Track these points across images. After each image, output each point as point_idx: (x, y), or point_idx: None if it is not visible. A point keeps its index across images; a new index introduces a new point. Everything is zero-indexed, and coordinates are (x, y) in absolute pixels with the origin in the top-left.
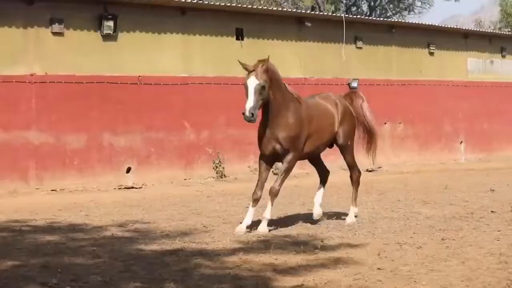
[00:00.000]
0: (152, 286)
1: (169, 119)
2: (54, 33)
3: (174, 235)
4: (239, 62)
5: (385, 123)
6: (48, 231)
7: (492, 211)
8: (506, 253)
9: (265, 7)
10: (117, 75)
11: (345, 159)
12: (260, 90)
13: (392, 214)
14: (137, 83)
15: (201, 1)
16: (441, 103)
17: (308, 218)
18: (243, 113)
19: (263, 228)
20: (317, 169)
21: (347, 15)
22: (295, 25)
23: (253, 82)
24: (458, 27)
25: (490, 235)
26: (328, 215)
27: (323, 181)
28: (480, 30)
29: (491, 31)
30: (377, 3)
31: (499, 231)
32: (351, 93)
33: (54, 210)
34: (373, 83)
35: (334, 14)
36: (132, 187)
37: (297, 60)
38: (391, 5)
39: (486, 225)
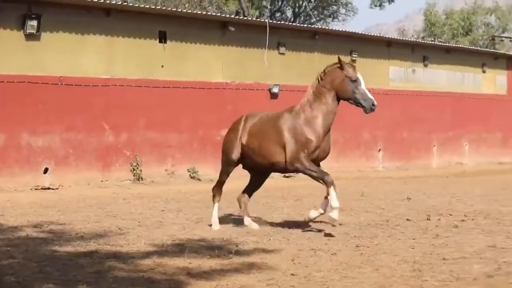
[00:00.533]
0: (66, 287)
1: (89, 120)
2: None
3: (89, 237)
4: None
5: None
6: None
7: (407, 219)
8: (420, 261)
9: (189, 11)
10: (39, 75)
11: None
12: None
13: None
14: (58, 83)
15: (125, 3)
16: (361, 111)
17: (222, 222)
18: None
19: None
20: None
21: (271, 21)
22: (219, 30)
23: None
24: (381, 35)
25: (405, 243)
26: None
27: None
28: (403, 38)
29: (414, 40)
30: (302, 9)
31: (414, 239)
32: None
33: None
34: (295, 89)
35: (258, 20)
36: (49, 188)
37: (220, 64)
38: (315, 12)
39: (401, 233)
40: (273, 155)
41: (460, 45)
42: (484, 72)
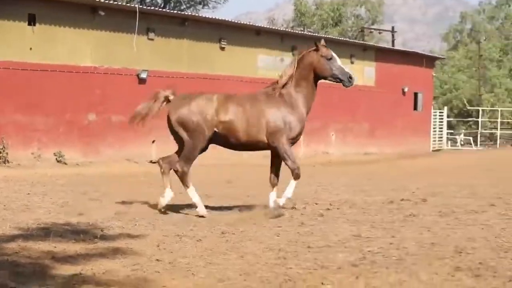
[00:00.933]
0: None
1: None
2: None
3: None
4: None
5: None
6: None
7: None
8: (285, 249)
9: None
10: None
11: None
12: None
13: (173, 207)
14: None
15: None
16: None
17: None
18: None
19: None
20: None
21: (141, 6)
22: (89, 14)
23: None
24: (251, 23)
25: (270, 230)
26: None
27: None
28: (273, 27)
29: (284, 29)
30: None
31: (279, 227)
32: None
33: None
34: (163, 75)
35: (128, 5)
36: None
37: (89, 49)
38: None
39: (266, 220)
40: (257, 134)
41: (329, 36)
42: (352, 63)
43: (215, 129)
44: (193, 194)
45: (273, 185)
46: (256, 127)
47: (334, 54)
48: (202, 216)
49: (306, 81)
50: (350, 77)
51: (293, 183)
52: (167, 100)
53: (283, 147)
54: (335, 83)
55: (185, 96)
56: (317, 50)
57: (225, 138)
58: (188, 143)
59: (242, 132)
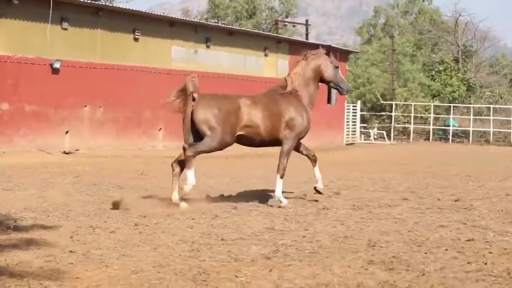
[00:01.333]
0: None
1: None
2: None
3: None
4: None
5: (85, 106)
6: None
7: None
8: (198, 241)
9: None
10: None
11: None
12: None
13: (87, 198)
14: None
15: None
16: (143, 89)
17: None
18: (348, 87)
19: None
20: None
21: None
22: (3, 2)
23: None
24: (165, 14)
25: (184, 222)
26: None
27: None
28: (187, 19)
29: (198, 21)
30: None
31: (193, 219)
32: None
33: None
34: (76, 65)
35: None
36: None
37: (2, 37)
38: None
39: (180, 212)
40: (278, 133)
41: (243, 28)
42: (266, 55)
43: (240, 132)
44: (190, 175)
45: (314, 161)
46: (276, 126)
47: (338, 65)
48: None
49: (313, 81)
50: (348, 86)
51: (280, 181)
52: (192, 97)
53: (290, 146)
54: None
55: (211, 97)
56: (327, 55)
57: (249, 139)
58: (207, 140)
59: (265, 133)
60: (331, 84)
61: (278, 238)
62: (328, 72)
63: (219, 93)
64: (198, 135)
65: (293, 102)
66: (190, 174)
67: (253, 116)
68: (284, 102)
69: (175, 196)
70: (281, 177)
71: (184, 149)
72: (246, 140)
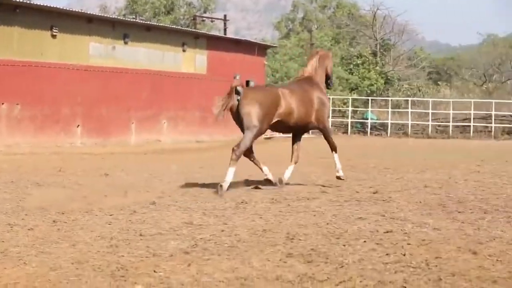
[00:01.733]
0: None
1: None
2: None
3: None
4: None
5: (2, 104)
6: None
7: (105, 196)
8: (117, 237)
9: None
10: None
11: None
12: None
13: (4, 195)
14: None
15: None
16: (61, 86)
17: None
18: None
19: None
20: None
21: None
22: None
23: None
24: (83, 11)
25: (102, 219)
26: None
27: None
28: (105, 15)
29: (116, 17)
30: None
31: (111, 215)
32: None
33: None
34: None
35: None
36: None
37: None
38: None
39: (98, 208)
40: (309, 118)
41: (161, 24)
42: (184, 51)
43: (278, 119)
44: (230, 173)
45: (295, 161)
46: (309, 113)
47: None
48: (220, 186)
49: (322, 75)
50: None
51: (336, 155)
52: (236, 92)
53: (327, 125)
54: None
55: (255, 89)
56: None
57: (285, 125)
58: (248, 135)
59: (299, 119)
60: (328, 77)
61: (197, 232)
62: (331, 67)
63: (260, 86)
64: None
65: (318, 90)
66: (231, 171)
67: (290, 103)
68: (313, 92)
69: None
70: (336, 152)
71: (233, 150)
72: (281, 126)
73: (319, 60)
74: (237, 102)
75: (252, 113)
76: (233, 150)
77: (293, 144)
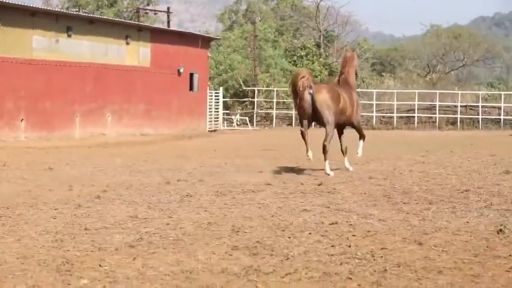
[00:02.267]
0: None
1: None
2: None
3: None
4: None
5: None
6: None
7: (50, 190)
8: (62, 232)
9: None
10: None
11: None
12: None
13: None
14: None
15: None
16: (4, 80)
17: None
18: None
19: None
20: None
21: None
22: None
23: None
24: (25, 4)
25: (47, 213)
26: None
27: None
28: (48, 8)
29: (59, 10)
30: None
31: (56, 209)
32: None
33: None
34: None
35: None
36: None
37: None
38: None
39: (43, 203)
40: (351, 114)
41: (105, 17)
42: (128, 44)
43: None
44: (327, 165)
45: (345, 153)
46: (351, 111)
47: None
48: (328, 174)
49: (353, 75)
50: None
51: (361, 143)
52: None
53: (360, 121)
54: None
55: (325, 85)
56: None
57: (336, 121)
58: (329, 128)
59: (345, 116)
60: (356, 75)
61: (142, 226)
62: (357, 67)
63: (325, 83)
64: (314, 119)
65: (354, 91)
66: (327, 164)
67: (346, 102)
68: (352, 91)
69: (310, 154)
70: (364, 139)
71: (324, 146)
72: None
73: (351, 61)
74: (309, 96)
75: (331, 108)
76: (324, 146)
77: (339, 138)
